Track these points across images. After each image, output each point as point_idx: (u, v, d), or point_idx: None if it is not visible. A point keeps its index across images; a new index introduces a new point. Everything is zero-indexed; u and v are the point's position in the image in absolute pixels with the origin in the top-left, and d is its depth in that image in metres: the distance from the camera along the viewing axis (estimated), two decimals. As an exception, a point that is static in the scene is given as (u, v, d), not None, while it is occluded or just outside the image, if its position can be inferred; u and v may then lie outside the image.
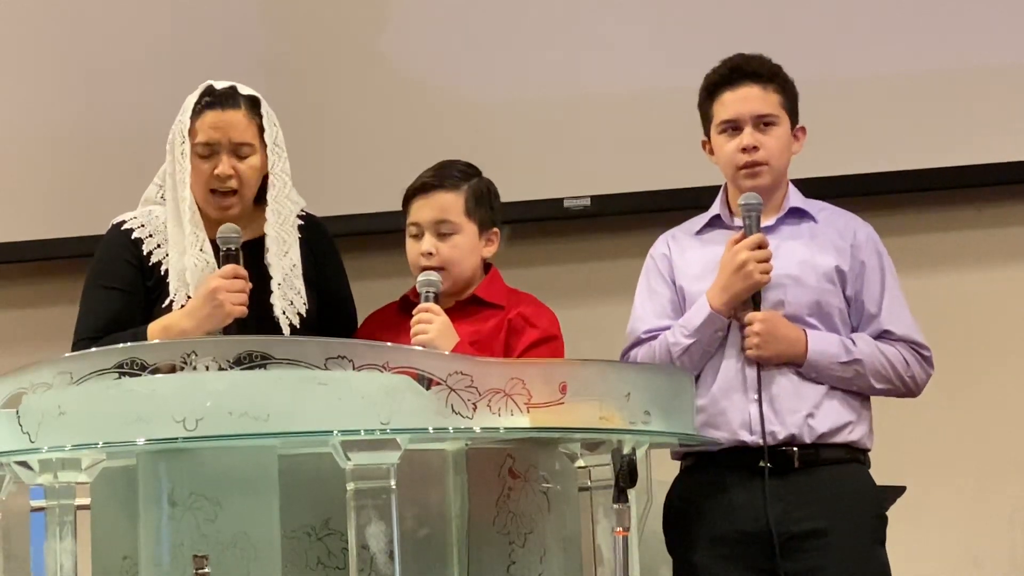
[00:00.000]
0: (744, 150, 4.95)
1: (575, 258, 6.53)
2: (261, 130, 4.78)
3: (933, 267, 6.47)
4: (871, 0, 6.73)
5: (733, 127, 4.97)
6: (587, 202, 6.63)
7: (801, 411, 4.92)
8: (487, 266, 5.02)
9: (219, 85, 4.81)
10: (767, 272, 4.88)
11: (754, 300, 4.93)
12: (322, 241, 5.02)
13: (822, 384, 4.95)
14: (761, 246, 4.88)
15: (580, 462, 4.10)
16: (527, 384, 3.88)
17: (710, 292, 4.94)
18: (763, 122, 4.96)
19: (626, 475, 3.90)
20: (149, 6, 6.95)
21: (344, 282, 5.07)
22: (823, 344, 4.94)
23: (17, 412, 3.88)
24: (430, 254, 4.88)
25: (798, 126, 5.08)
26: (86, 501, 4.01)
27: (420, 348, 4.50)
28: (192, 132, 4.76)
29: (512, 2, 6.91)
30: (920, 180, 6.59)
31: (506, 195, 5.14)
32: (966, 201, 6.62)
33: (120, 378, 3.86)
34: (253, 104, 4.78)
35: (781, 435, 4.89)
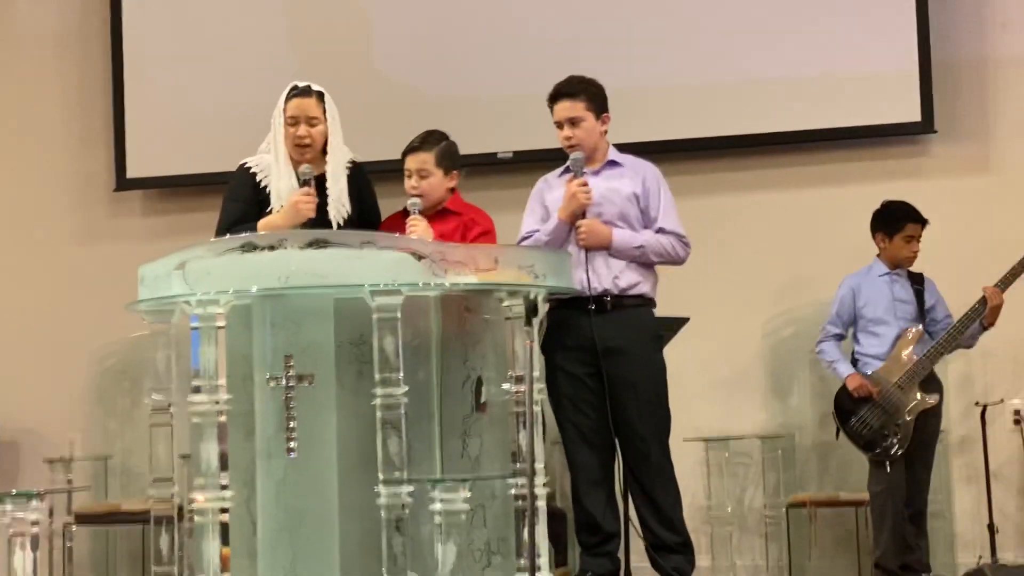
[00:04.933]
0: (565, 138, 5.10)
1: (504, 186, 6.36)
2: (325, 110, 4.80)
3: (715, 194, 6.39)
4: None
5: (559, 125, 5.11)
6: (510, 155, 6.59)
7: (611, 275, 5.05)
8: (452, 190, 5.08)
9: (300, 84, 4.83)
10: (589, 197, 5.01)
11: (583, 215, 5.03)
12: (361, 177, 4.94)
13: (623, 259, 5.06)
14: (583, 184, 5.01)
15: (506, 302, 4.05)
16: (475, 258, 3.93)
17: (560, 209, 5.07)
18: (572, 122, 5.10)
19: (532, 310, 3.91)
20: (246, 42, 6.91)
21: (374, 200, 5.01)
22: (623, 237, 5.05)
23: (183, 273, 3.89)
24: (414, 187, 5.00)
25: (605, 114, 5.14)
26: (223, 323, 3.90)
27: (414, 238, 4.57)
28: (285, 111, 4.78)
29: (460, 17, 6.69)
30: (712, 143, 6.44)
31: (463, 149, 5.19)
32: (722, 156, 6.50)
33: (243, 253, 3.86)
34: (320, 96, 4.81)
35: (599, 289, 5.03)
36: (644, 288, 5.11)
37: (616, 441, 5.08)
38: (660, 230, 5.13)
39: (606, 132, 5.19)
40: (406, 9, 6.79)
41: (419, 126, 5.20)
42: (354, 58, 6.80)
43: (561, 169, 5.24)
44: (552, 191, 5.20)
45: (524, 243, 5.10)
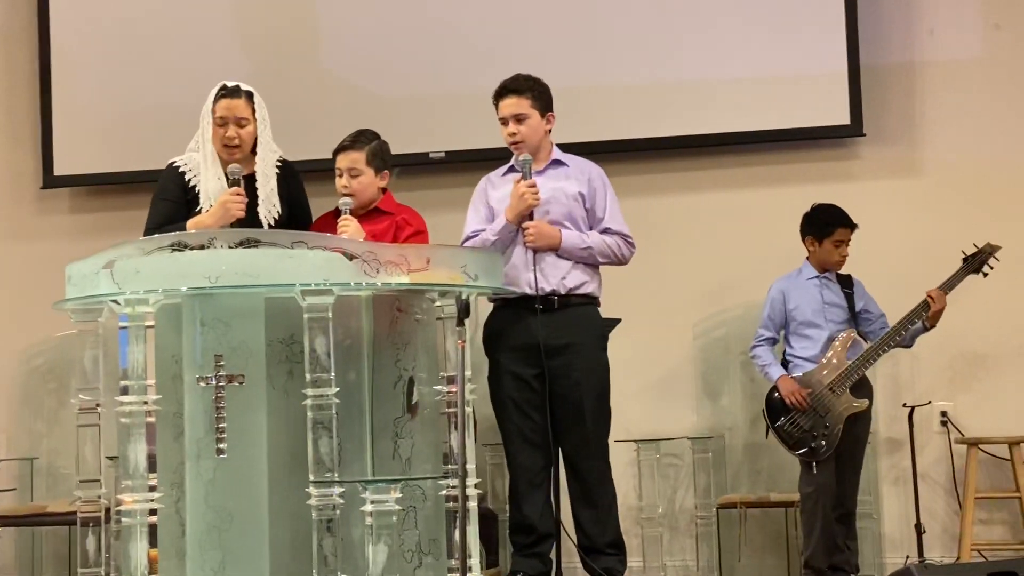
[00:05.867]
0: (510, 135, 5.11)
1: (436, 186, 6.43)
2: (254, 110, 4.76)
3: (645, 195, 6.36)
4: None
5: (504, 122, 5.11)
6: (442, 155, 6.53)
7: (558, 276, 5.07)
8: (384, 190, 5.07)
9: (230, 83, 4.79)
10: (537, 198, 5.03)
11: (530, 216, 5.06)
12: (292, 176, 4.91)
13: (571, 260, 5.09)
14: (531, 185, 5.02)
15: (438, 303, 4.08)
16: (407, 258, 3.93)
17: (507, 210, 5.08)
18: (517, 118, 5.11)
19: (464, 310, 3.91)
20: (182, 40, 6.79)
21: (304, 199, 4.98)
22: (571, 238, 5.08)
23: (111, 272, 3.88)
24: (345, 187, 4.98)
25: (549, 113, 5.16)
26: (152, 323, 3.97)
27: (345, 238, 4.54)
28: (213, 111, 4.75)
29: (392, 16, 6.62)
30: (641, 144, 6.43)
31: (395, 149, 5.19)
32: (668, 156, 6.50)
33: (172, 252, 3.88)
34: (249, 95, 4.77)
35: (547, 289, 5.05)
36: (591, 288, 5.15)
37: (557, 441, 5.11)
38: (606, 230, 5.17)
39: (550, 131, 5.21)
40: (336, 6, 6.75)
41: (351, 125, 5.19)
42: (287, 56, 6.76)
43: (505, 168, 5.26)
44: (496, 190, 5.21)
45: (469, 243, 5.11)
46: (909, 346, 5.73)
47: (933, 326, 5.61)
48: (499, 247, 5.02)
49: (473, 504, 4.06)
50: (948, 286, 5.59)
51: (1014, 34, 6.35)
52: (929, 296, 5.57)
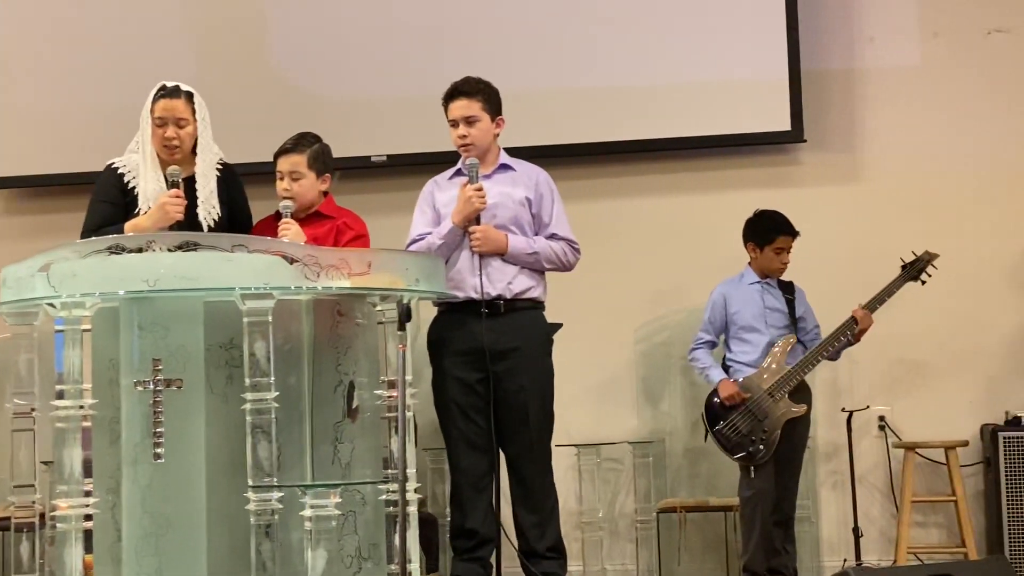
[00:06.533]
0: (460, 137, 5.11)
1: (378, 190, 6.42)
2: (194, 111, 4.75)
3: (590, 200, 6.38)
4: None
5: (453, 124, 5.11)
6: (384, 158, 6.51)
7: (505, 280, 5.06)
8: (325, 193, 5.04)
9: (169, 84, 4.77)
10: (483, 202, 5.04)
11: (477, 220, 5.06)
12: (232, 178, 4.91)
13: (517, 265, 5.09)
14: (479, 189, 5.03)
15: (379, 307, 4.09)
16: (348, 262, 3.93)
17: (453, 213, 5.06)
18: (467, 121, 5.11)
19: (405, 315, 3.91)
20: (126, 42, 6.73)
21: (244, 202, 4.97)
22: (517, 243, 5.08)
23: (47, 274, 3.86)
24: (286, 190, 4.95)
25: (499, 117, 5.16)
26: (88, 327, 3.95)
27: (286, 241, 4.53)
28: (152, 111, 4.72)
29: (334, 18, 6.59)
30: (587, 149, 6.44)
31: (336, 152, 5.16)
32: (611, 161, 6.53)
33: (109, 255, 3.85)
34: (189, 96, 4.76)
35: (493, 294, 5.04)
36: (536, 293, 5.16)
37: (500, 446, 5.12)
38: (552, 236, 5.18)
39: (498, 135, 5.21)
40: (281, 7, 6.72)
41: (293, 127, 5.17)
42: (231, 56, 6.72)
43: (452, 171, 5.26)
44: (443, 193, 5.21)
45: (415, 246, 5.11)
46: (836, 359, 5.80)
47: (858, 341, 5.69)
48: (445, 251, 5.03)
49: (413, 509, 4.07)
50: (878, 301, 5.66)
51: (952, 42, 6.42)
52: (854, 316, 5.63)
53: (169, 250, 3.86)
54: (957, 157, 6.38)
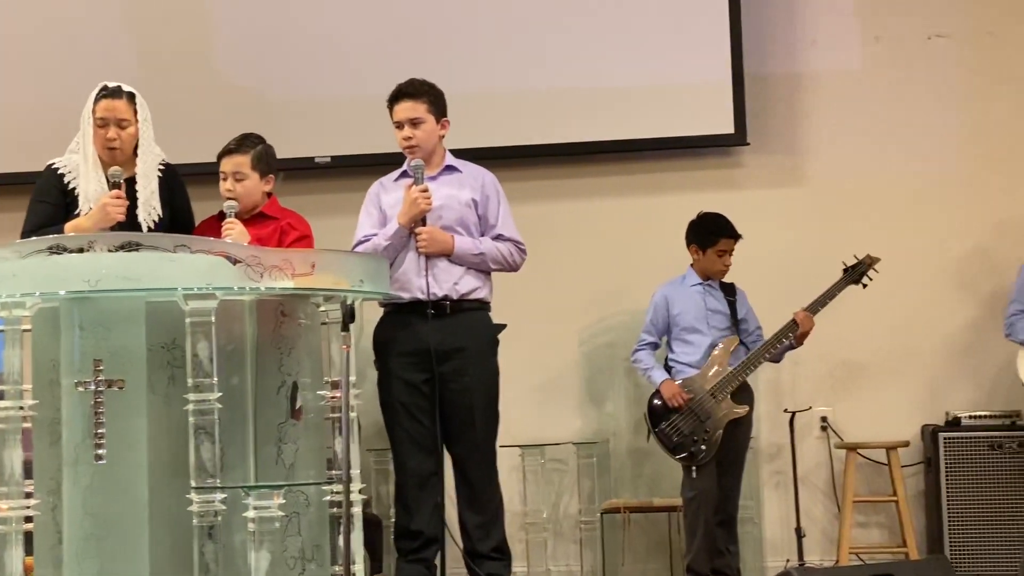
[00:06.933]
0: (405, 139, 5.12)
1: (322, 191, 6.42)
2: (136, 112, 4.74)
3: (534, 201, 6.37)
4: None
5: (399, 126, 5.12)
6: (328, 159, 6.51)
7: (451, 281, 5.09)
8: (269, 194, 5.05)
9: (111, 84, 4.77)
10: (429, 203, 5.06)
11: (423, 221, 5.08)
12: (174, 179, 4.90)
13: (463, 266, 5.11)
14: (424, 190, 5.06)
15: (323, 307, 4.08)
16: (292, 262, 3.90)
17: (399, 215, 5.10)
18: (413, 122, 5.11)
19: (349, 315, 3.91)
20: (67, 40, 6.67)
21: (186, 203, 4.96)
22: (464, 244, 5.11)
23: None
24: (230, 191, 4.96)
25: (444, 119, 5.18)
26: (29, 327, 3.93)
27: (229, 241, 4.53)
28: (94, 112, 4.72)
29: (277, 19, 6.58)
30: (532, 151, 6.47)
31: (280, 153, 5.19)
32: (556, 163, 6.56)
33: (50, 255, 3.82)
34: (131, 96, 4.75)
35: (439, 294, 5.07)
36: (482, 293, 5.18)
37: (446, 446, 5.14)
38: (499, 237, 5.21)
39: (444, 137, 5.23)
40: (226, 7, 6.70)
41: (237, 127, 5.18)
42: (175, 56, 6.67)
43: (398, 173, 5.26)
44: (389, 194, 5.22)
45: (361, 247, 5.11)
46: (778, 361, 5.86)
47: (800, 344, 5.74)
48: (391, 252, 5.05)
49: (357, 510, 4.06)
50: (819, 304, 5.73)
51: (894, 47, 6.50)
52: (795, 319, 5.68)
53: (110, 250, 3.81)
54: (898, 160, 6.45)
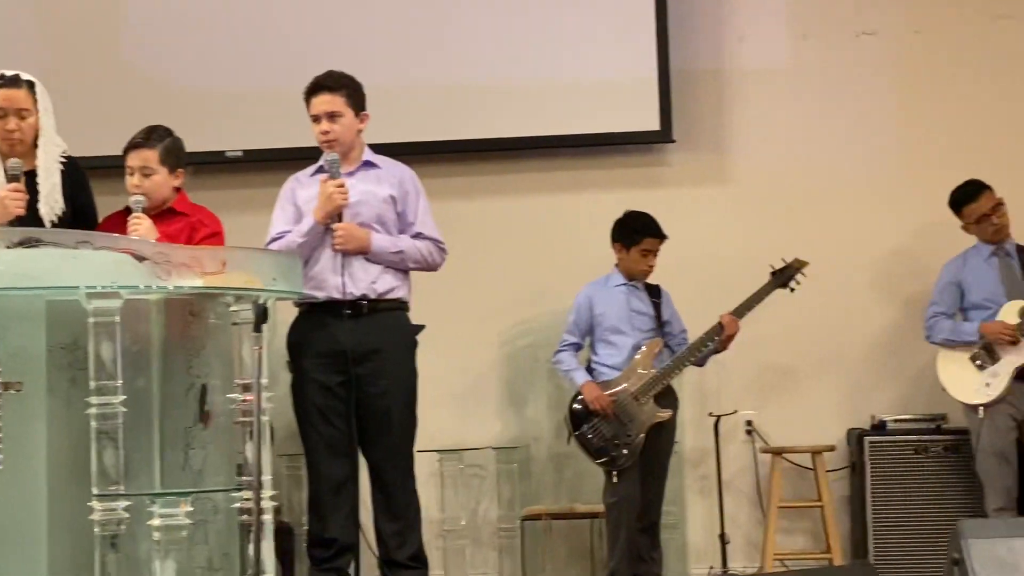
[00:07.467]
0: (323, 133, 5.05)
1: (233, 186, 6.37)
2: (36, 101, 4.66)
3: (454, 199, 6.32)
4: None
5: (316, 119, 5.07)
6: (240, 153, 6.47)
7: (368, 280, 5.04)
8: (178, 190, 4.96)
9: (8, 73, 4.68)
10: (345, 198, 5.00)
11: (339, 218, 5.03)
12: (77, 172, 4.82)
13: (381, 264, 5.07)
14: (340, 185, 5.00)
15: (234, 307, 3.98)
16: (201, 260, 3.85)
17: (315, 210, 5.04)
18: (330, 116, 5.06)
19: (261, 316, 3.83)
20: None
21: (90, 197, 4.88)
22: (382, 241, 5.07)
23: None
24: (137, 186, 4.86)
25: (363, 112, 5.13)
26: None
27: (136, 238, 4.46)
28: (-10, 102, 4.64)
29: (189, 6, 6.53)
30: (452, 146, 6.45)
31: (190, 147, 5.08)
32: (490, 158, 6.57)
33: None
34: (30, 85, 4.67)
35: (356, 294, 5.03)
36: (401, 293, 5.15)
37: (361, 451, 5.09)
38: (418, 235, 5.17)
39: (362, 131, 5.17)
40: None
41: (144, 119, 5.06)
42: (83, 44, 6.57)
43: (313, 168, 5.21)
44: (304, 190, 5.17)
45: (275, 244, 5.07)
46: (702, 365, 5.86)
47: (725, 349, 5.72)
48: (307, 249, 5.00)
49: (268, 517, 4.01)
50: (746, 307, 5.73)
51: (821, 44, 6.54)
52: (721, 322, 5.66)
53: (9, 247, 3.73)
54: (825, 159, 6.50)
